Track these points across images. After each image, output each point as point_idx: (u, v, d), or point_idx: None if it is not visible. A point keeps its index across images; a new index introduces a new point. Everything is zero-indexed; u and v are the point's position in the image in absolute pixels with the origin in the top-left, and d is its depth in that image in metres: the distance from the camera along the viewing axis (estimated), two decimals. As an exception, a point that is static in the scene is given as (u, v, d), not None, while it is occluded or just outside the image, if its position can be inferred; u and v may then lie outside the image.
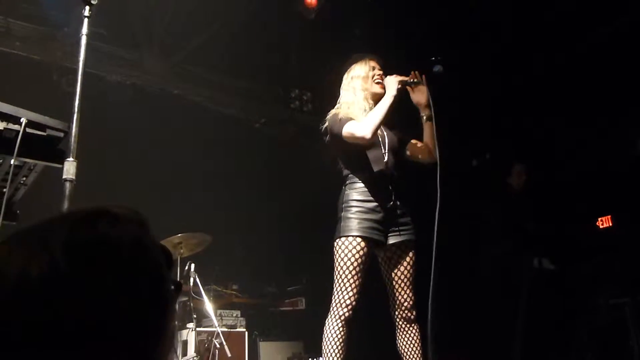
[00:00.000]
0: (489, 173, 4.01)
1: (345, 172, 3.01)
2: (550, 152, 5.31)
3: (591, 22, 4.89)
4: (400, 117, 3.05)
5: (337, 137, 2.94)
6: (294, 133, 6.33)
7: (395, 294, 2.96)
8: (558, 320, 3.84)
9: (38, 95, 4.22)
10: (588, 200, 4.74)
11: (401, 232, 2.94)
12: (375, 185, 2.92)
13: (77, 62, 2.04)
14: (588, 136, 5.05)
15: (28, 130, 1.70)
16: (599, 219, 4.37)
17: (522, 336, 3.51)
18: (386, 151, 3.01)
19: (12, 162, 1.69)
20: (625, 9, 4.75)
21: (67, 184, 1.85)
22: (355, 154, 2.96)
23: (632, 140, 4.68)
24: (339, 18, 5.32)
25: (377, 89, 3.05)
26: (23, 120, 1.69)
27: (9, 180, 1.79)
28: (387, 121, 2.94)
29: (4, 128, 1.67)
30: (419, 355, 2.93)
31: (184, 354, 4.58)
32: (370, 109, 2.98)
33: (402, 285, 2.94)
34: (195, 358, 4.42)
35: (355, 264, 2.78)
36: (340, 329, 2.74)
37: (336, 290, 2.81)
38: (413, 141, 3.20)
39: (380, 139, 3.01)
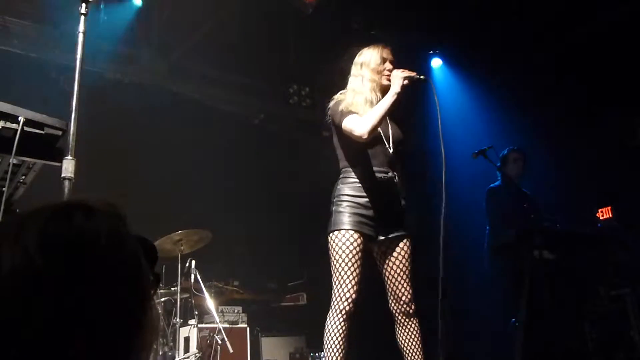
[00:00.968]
0: (489, 163, 4.01)
1: (342, 164, 2.98)
2: (549, 140, 5.30)
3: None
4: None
5: (337, 127, 2.93)
6: (293, 128, 6.32)
7: (392, 288, 2.93)
8: (559, 311, 3.84)
9: (36, 94, 4.23)
10: (588, 191, 4.75)
11: (396, 227, 2.91)
12: (372, 180, 2.89)
13: (75, 60, 2.03)
14: (587, 126, 5.05)
15: (26, 128, 1.70)
16: (599, 209, 4.37)
17: (524, 327, 3.52)
18: (390, 145, 2.97)
19: (10, 160, 1.68)
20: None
21: (66, 183, 1.84)
22: (355, 145, 2.91)
23: (633, 130, 4.67)
24: (337, 13, 5.30)
25: (386, 82, 2.99)
26: (21, 119, 1.68)
27: (7, 179, 1.78)
28: (393, 114, 2.91)
29: (2, 127, 1.66)
30: (420, 349, 2.90)
31: (186, 350, 4.60)
32: (377, 100, 2.92)
33: (399, 279, 2.92)
34: (197, 354, 4.42)
35: (350, 256, 2.76)
36: (342, 323, 2.72)
37: (335, 284, 2.79)
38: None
39: (382, 132, 2.96)
